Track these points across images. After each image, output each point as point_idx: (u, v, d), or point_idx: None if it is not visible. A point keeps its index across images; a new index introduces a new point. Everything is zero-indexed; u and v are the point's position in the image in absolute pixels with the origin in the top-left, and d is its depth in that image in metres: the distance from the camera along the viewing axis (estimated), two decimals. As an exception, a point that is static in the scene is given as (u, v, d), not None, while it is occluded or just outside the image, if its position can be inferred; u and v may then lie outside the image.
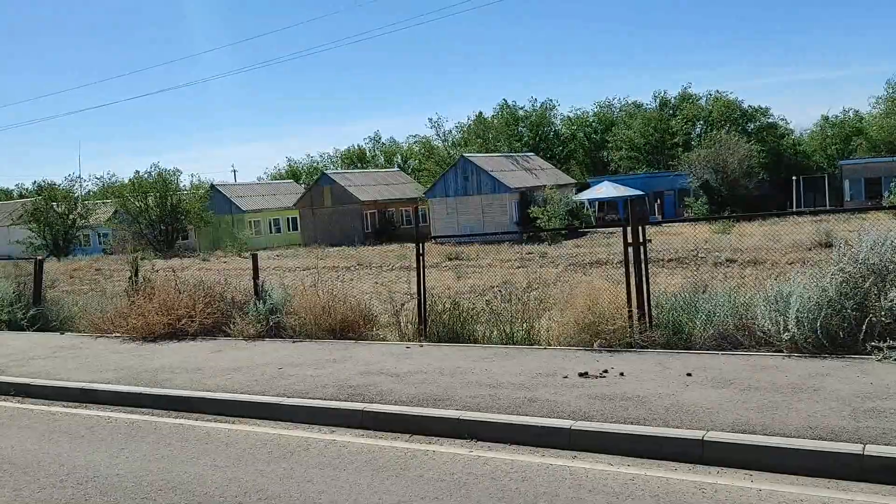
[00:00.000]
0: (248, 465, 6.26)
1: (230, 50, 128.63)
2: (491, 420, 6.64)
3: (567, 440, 6.20)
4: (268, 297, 12.08)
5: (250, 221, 58.95)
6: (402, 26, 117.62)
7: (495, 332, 10.20)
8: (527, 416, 6.61)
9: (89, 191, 67.73)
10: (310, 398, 7.82)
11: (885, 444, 5.22)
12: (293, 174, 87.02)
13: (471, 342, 10.19)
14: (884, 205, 35.86)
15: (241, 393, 8.27)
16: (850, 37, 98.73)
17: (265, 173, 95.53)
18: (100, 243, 60.26)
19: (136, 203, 54.10)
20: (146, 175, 55.79)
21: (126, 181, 59.25)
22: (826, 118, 64.69)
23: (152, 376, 9.41)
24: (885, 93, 60.06)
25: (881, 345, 7.44)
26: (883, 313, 7.74)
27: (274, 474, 6.00)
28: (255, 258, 12.71)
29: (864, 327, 7.67)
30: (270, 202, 61.86)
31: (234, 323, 11.88)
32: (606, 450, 5.98)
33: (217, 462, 6.40)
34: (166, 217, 54.67)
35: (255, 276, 12.35)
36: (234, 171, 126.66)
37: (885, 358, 7.34)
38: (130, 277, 14.28)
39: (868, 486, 4.99)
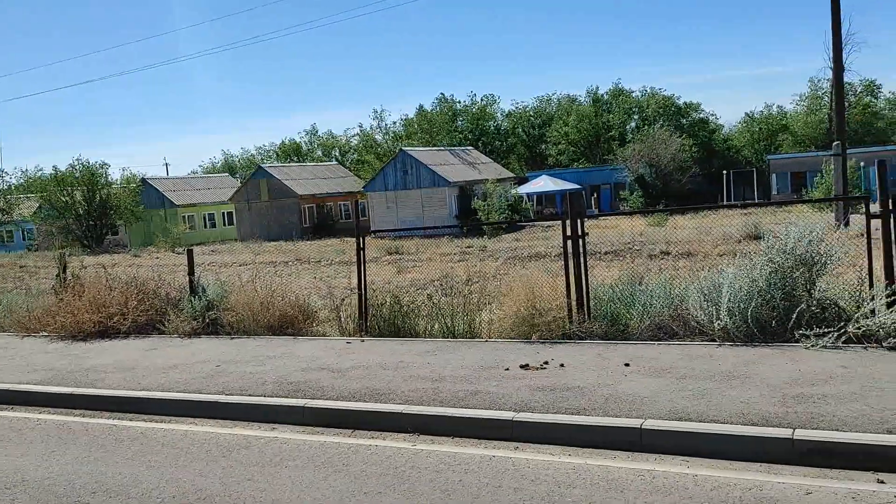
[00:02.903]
0: (186, 465, 6.11)
1: (161, 41, 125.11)
2: (434, 413, 6.65)
3: (510, 432, 6.25)
4: (204, 294, 11.82)
5: (184, 216, 57.56)
6: (344, 18, 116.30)
7: (437, 326, 10.22)
8: (469, 408, 6.64)
9: (10, 185, 64.93)
10: (249, 395, 7.68)
11: (813, 429, 5.43)
12: (229, 168, 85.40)
13: (412, 336, 10.17)
14: (807, 198, 37.29)
15: (178, 391, 8.08)
16: (774, 35, 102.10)
17: (199, 167, 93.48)
18: (24, 239, 57.96)
19: (62, 198, 52.19)
20: (71, 168, 53.82)
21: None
22: (751, 115, 66.86)
23: (83, 376, 9.11)
24: (808, 90, 62.49)
25: (808, 333, 7.74)
26: (810, 302, 8.05)
27: (213, 474, 5.87)
28: (190, 253, 12.42)
29: (792, 316, 7.96)
30: (205, 196, 60.53)
31: (168, 320, 11.59)
32: (548, 440, 6.06)
33: (153, 462, 6.23)
34: (94, 212, 52.92)
35: (191, 272, 12.07)
36: (167, 165, 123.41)
37: (812, 345, 7.64)
38: (58, 274, 13.77)
39: (798, 468, 5.18)
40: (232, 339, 10.88)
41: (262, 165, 60.72)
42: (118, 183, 57.03)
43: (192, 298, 11.73)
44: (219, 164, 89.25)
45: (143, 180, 59.23)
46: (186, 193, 59.68)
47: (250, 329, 11.05)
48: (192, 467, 6.05)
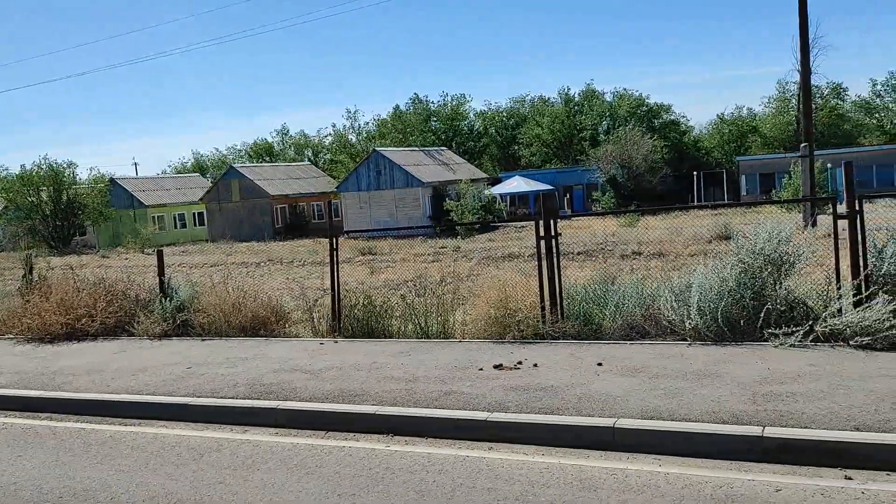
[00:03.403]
0: (157, 469, 6.03)
1: (130, 39, 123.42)
2: (408, 414, 6.63)
3: (484, 432, 6.26)
4: (174, 295, 11.68)
5: (153, 216, 56.82)
6: (315, 17, 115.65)
7: (410, 327, 10.20)
8: (443, 409, 6.63)
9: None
10: (221, 397, 7.60)
11: (783, 426, 5.51)
12: (199, 168, 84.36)
13: (386, 337, 10.14)
14: (776, 199, 37.86)
15: (148, 394, 7.97)
16: (746, 38, 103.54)
17: (169, 167, 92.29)
18: (-11, 240, 56.77)
19: (28, 198, 51.26)
20: (37, 168, 52.86)
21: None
22: (722, 117, 67.75)
23: (51, 379, 8.95)
24: (777, 92, 63.47)
25: (777, 331, 7.84)
26: (779, 301, 8.17)
27: (184, 477, 5.80)
28: (160, 254, 12.26)
29: (761, 315, 8.07)
30: (175, 196, 59.80)
31: (138, 322, 11.43)
32: (522, 440, 6.07)
33: (122, 467, 6.14)
34: (61, 212, 52.06)
35: (161, 273, 11.92)
36: (136, 165, 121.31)
37: (781, 344, 7.74)
38: (24, 275, 13.52)
39: (768, 466, 5.25)
40: (203, 340, 10.76)
41: (234, 165, 60.16)
42: (86, 183, 55.98)
43: (163, 300, 11.59)
44: (189, 164, 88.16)
45: (112, 180, 58.33)
46: (156, 193, 58.92)
47: (222, 330, 10.94)
48: (163, 471, 5.97)
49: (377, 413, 6.74)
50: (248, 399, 7.48)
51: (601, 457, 5.66)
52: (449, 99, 72.57)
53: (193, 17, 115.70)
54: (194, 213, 58.99)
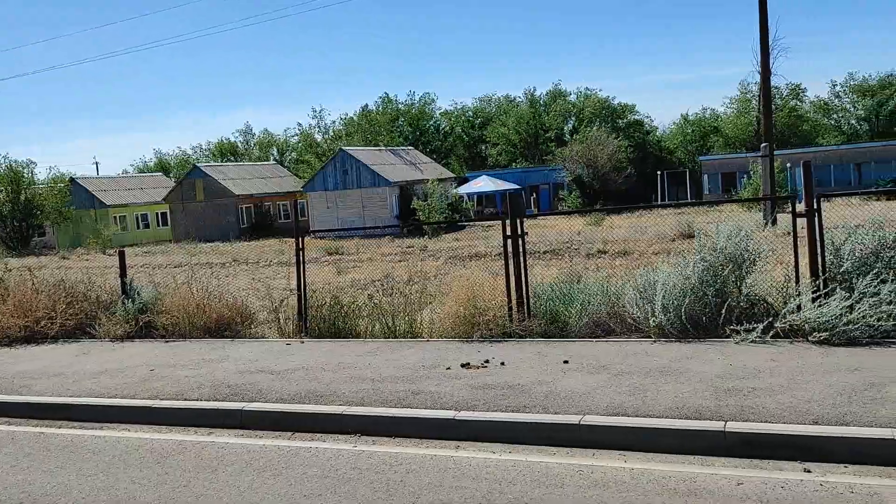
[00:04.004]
0: (119, 473, 5.93)
1: (89, 35, 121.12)
2: (375, 414, 6.62)
3: (451, 431, 6.27)
4: (137, 296, 11.51)
5: (115, 217, 55.79)
6: (279, 15, 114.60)
7: (377, 326, 10.17)
8: (411, 408, 6.63)
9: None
10: (185, 399, 7.51)
11: (744, 421, 5.61)
12: (162, 167, 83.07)
13: (353, 337, 10.11)
14: (737, 198, 38.51)
15: (109, 397, 7.83)
16: (711, 39, 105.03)
17: (131, 166, 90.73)
18: (-56, 242, 55.25)
19: (-15, 198, 50.08)
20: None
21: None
22: (685, 117, 68.73)
23: (9, 383, 8.75)
24: (738, 93, 64.53)
25: (739, 328, 7.99)
26: (740, 298, 8.32)
27: (147, 480, 5.72)
28: (121, 255, 12.07)
29: (723, 312, 8.21)
30: (137, 196, 58.80)
31: (100, 324, 11.24)
32: (489, 438, 6.10)
33: (84, 471, 6.03)
34: (19, 212, 50.90)
35: (123, 274, 11.73)
36: (97, 164, 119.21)
37: (742, 340, 7.89)
38: (-20, 278, 13.18)
39: (730, 460, 5.34)
40: (167, 342, 10.62)
41: (198, 165, 59.35)
42: (45, 182, 54.79)
43: (125, 301, 11.41)
44: (151, 164, 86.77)
45: (72, 180, 57.15)
46: (117, 193, 57.86)
47: (186, 332, 10.81)
48: (126, 475, 5.88)
49: (344, 413, 6.71)
50: (213, 401, 7.40)
51: (568, 453, 5.71)
52: (416, 99, 72.58)
53: (152, 14, 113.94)
54: (157, 214, 58.07)
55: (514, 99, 72.16)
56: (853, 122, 63.60)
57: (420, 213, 42.35)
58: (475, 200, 51.17)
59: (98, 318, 11.36)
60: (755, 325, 7.90)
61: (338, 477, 5.53)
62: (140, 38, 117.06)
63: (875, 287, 7.58)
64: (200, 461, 6.10)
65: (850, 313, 7.53)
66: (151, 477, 5.79)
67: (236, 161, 74.58)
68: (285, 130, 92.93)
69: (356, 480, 5.44)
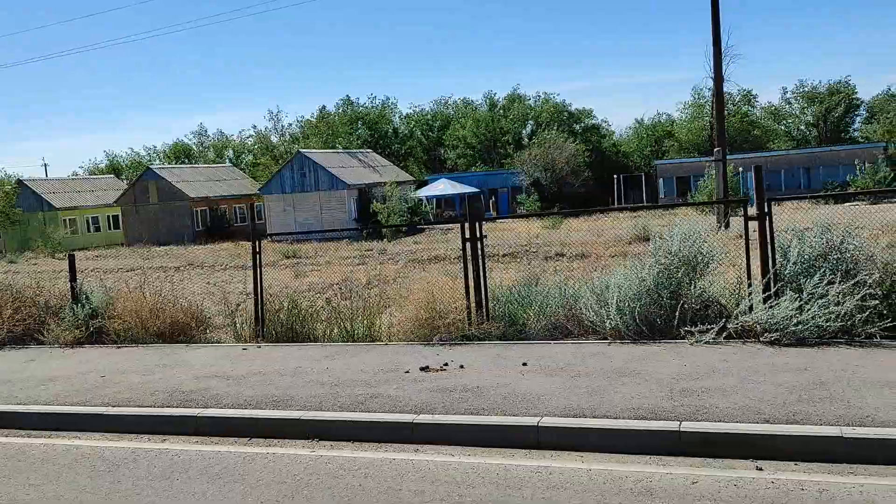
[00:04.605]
0: (70, 482, 5.78)
1: (37, 34, 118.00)
2: (333, 419, 6.57)
3: (410, 434, 6.25)
4: (87, 301, 11.24)
5: (65, 220, 54.43)
6: (236, 16, 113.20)
7: (336, 330, 10.10)
8: (369, 412, 6.60)
9: None
10: (137, 406, 7.35)
11: (698, 421, 5.71)
12: (114, 169, 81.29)
13: (311, 341, 10.02)
14: (691, 201, 39.23)
15: (59, 404, 7.63)
16: (668, 44, 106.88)
17: (81, 168, 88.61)
18: None
19: (-74, 201, 48.45)
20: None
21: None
22: (640, 121, 69.84)
23: (-49, 391, 8.46)
24: (692, 98, 65.82)
25: (693, 329, 8.13)
26: (694, 300, 8.46)
27: (98, 489, 5.58)
28: (71, 259, 11.78)
29: (678, 314, 8.34)
30: (88, 199, 57.45)
31: (48, 329, 10.95)
32: (449, 441, 6.09)
33: (32, 480, 5.86)
34: (-36, 216, 49.38)
35: (72, 279, 11.45)
36: (46, 166, 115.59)
37: (696, 341, 8.03)
38: (-78, 282, 12.73)
39: (685, 459, 5.43)
40: (119, 348, 10.39)
41: (151, 166, 58.30)
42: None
43: (75, 306, 11.13)
44: (103, 166, 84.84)
45: (20, 182, 55.61)
46: (67, 196, 56.47)
47: (139, 337, 10.59)
48: (76, 484, 5.73)
49: (302, 418, 6.64)
50: (167, 407, 7.26)
51: (526, 455, 5.74)
52: (377, 102, 72.40)
53: (104, 13, 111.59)
54: (109, 217, 56.82)
55: (472, 102, 72.52)
56: (802, 127, 65.39)
57: (380, 216, 42.22)
58: (434, 204, 51.19)
59: (47, 324, 11.07)
60: (709, 327, 8.05)
61: (295, 483, 5.47)
62: (91, 37, 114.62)
63: (823, 288, 7.78)
64: (154, 469, 5.98)
65: (800, 314, 7.72)
66: (102, 486, 5.66)
67: (190, 163, 73.37)
68: (240, 132, 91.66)
69: (314, 486, 5.38)
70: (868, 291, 7.64)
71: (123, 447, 6.63)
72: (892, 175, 39.78)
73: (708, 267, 8.73)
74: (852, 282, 7.73)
